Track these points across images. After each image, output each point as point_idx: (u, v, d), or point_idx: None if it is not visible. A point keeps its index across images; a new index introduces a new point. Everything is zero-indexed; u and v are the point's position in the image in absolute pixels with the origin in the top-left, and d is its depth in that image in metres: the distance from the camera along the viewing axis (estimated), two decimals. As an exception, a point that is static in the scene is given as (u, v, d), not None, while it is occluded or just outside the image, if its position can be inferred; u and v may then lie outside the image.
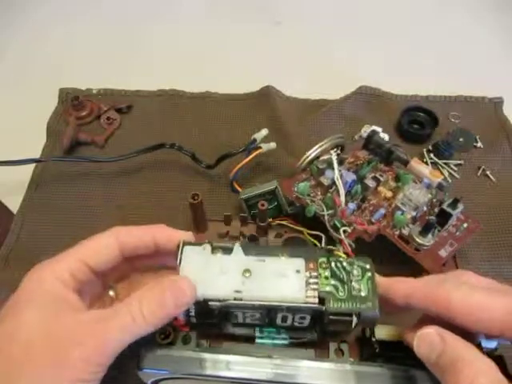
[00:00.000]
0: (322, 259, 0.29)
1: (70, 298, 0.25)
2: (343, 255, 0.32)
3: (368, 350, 0.31)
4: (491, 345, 0.26)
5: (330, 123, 0.54)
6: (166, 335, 0.29)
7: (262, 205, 0.38)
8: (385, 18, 0.71)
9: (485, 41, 0.67)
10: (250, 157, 0.45)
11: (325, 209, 0.38)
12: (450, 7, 0.73)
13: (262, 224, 0.40)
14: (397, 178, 0.42)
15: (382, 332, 0.30)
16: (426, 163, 0.50)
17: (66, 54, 0.66)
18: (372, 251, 0.31)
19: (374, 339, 0.30)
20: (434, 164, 0.50)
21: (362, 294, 0.28)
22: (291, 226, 0.42)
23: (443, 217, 0.38)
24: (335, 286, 0.28)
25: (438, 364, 0.23)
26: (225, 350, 0.31)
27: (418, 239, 0.37)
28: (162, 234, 0.29)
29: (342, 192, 0.39)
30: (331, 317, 0.28)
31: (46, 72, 0.62)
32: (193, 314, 0.28)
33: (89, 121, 0.55)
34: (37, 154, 0.52)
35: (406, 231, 0.38)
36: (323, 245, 0.39)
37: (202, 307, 0.28)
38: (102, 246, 0.28)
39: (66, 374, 0.22)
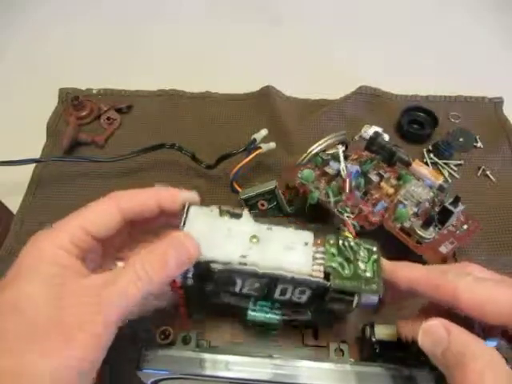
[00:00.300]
0: (330, 236, 0.28)
1: (73, 264, 0.24)
2: (351, 236, 0.31)
3: (368, 350, 0.31)
4: (491, 345, 0.26)
5: (330, 123, 0.54)
6: (165, 335, 0.29)
7: (262, 205, 0.38)
8: (385, 18, 0.71)
9: (485, 41, 0.67)
10: (250, 157, 0.45)
11: (331, 195, 0.39)
12: (450, 7, 0.73)
13: None
14: (398, 178, 0.42)
15: (382, 332, 0.30)
16: (426, 163, 0.50)
17: (66, 53, 0.66)
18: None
19: (373, 339, 0.30)
20: (434, 164, 0.50)
21: (368, 274, 0.27)
22: (292, 224, 0.42)
23: (444, 214, 0.38)
24: (341, 264, 0.27)
25: (443, 357, 0.22)
26: (224, 350, 0.31)
27: (419, 232, 0.38)
28: (166, 195, 0.28)
29: (348, 180, 0.39)
30: (334, 294, 0.27)
31: (46, 72, 0.62)
32: (190, 275, 0.27)
33: (89, 121, 0.55)
34: (37, 154, 0.52)
35: (407, 224, 0.39)
36: None
37: (202, 269, 0.27)
38: (103, 213, 0.27)
39: (72, 345, 0.21)
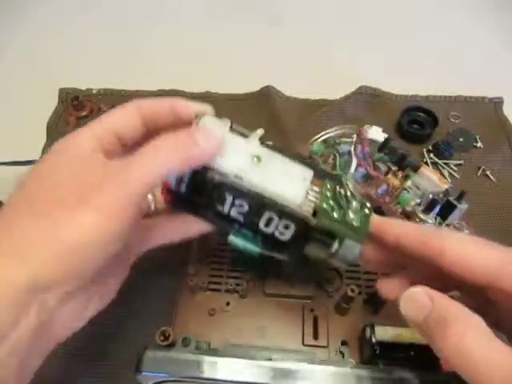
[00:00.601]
0: (330, 181, 0.29)
1: (100, 157, 0.26)
2: (350, 189, 0.30)
3: (368, 351, 0.31)
4: None
5: (330, 123, 0.54)
6: (165, 336, 0.29)
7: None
8: (385, 18, 0.71)
9: (485, 41, 0.67)
10: None
11: (338, 167, 0.40)
12: (450, 7, 0.73)
13: None
14: (405, 177, 0.42)
15: (383, 333, 0.31)
16: (426, 163, 0.50)
17: (66, 53, 0.66)
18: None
19: (374, 340, 0.30)
20: (434, 164, 0.50)
21: (355, 223, 0.28)
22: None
23: (448, 208, 0.39)
24: (332, 207, 0.28)
25: (425, 324, 0.22)
26: (224, 352, 0.31)
27: (420, 215, 0.38)
28: (180, 103, 0.29)
29: (355, 160, 0.40)
30: (317, 235, 0.27)
31: (46, 72, 0.62)
32: (186, 180, 0.28)
33: (89, 121, 0.55)
34: (37, 154, 0.52)
35: (409, 208, 0.39)
36: None
37: (199, 176, 0.27)
38: (126, 114, 0.28)
39: (97, 210, 0.23)
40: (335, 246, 0.28)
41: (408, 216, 0.39)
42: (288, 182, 0.28)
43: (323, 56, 0.64)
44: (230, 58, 0.65)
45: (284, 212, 0.27)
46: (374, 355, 0.30)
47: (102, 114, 0.28)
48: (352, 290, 0.34)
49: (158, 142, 0.24)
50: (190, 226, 0.31)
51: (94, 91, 0.58)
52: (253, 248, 0.30)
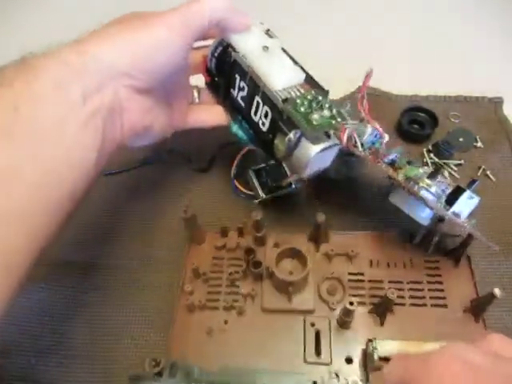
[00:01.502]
0: (316, 91, 0.34)
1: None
2: (335, 106, 0.34)
3: (371, 365, 0.31)
4: None
5: (329, 123, 0.54)
6: (156, 363, 0.28)
7: (256, 215, 0.37)
8: (385, 17, 0.71)
9: (485, 41, 0.67)
10: (244, 150, 0.45)
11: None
12: (450, 7, 0.73)
13: (258, 235, 0.39)
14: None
15: (386, 348, 0.30)
16: (426, 163, 0.50)
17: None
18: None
19: (376, 357, 0.30)
20: (434, 164, 0.50)
21: (314, 122, 0.32)
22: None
23: (456, 193, 0.36)
24: (302, 103, 0.33)
25: None
26: (215, 380, 0.30)
27: (426, 180, 0.35)
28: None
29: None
30: (282, 123, 0.33)
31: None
32: (216, 54, 0.38)
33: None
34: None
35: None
36: None
37: (223, 51, 0.37)
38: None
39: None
40: (292, 136, 0.32)
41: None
42: (279, 72, 0.34)
43: (323, 56, 0.64)
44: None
45: (265, 95, 0.34)
46: (377, 370, 0.30)
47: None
48: (351, 303, 0.32)
49: None
50: (217, 117, 0.41)
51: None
52: (244, 137, 0.39)
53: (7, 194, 0.24)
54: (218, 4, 0.33)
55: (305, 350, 0.34)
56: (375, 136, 0.36)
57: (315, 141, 0.32)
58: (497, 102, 0.56)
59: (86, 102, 0.28)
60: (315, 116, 0.32)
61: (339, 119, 0.33)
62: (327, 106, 0.33)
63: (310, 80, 0.35)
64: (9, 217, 0.25)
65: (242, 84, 0.36)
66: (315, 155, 0.32)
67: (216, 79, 0.40)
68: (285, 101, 0.32)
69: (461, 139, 0.52)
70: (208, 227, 0.42)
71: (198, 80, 0.43)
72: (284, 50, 0.37)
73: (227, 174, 0.47)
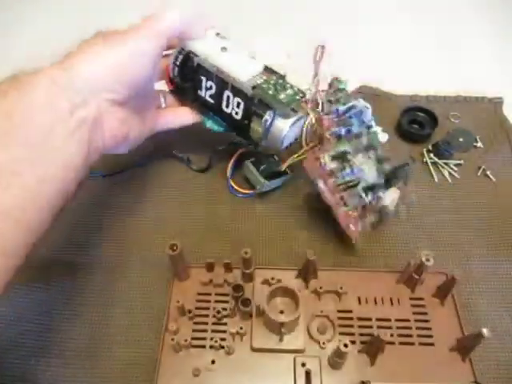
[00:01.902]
0: (276, 77, 0.40)
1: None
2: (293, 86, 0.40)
3: None
4: None
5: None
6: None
7: (246, 252, 0.36)
8: (385, 17, 0.71)
9: (485, 41, 0.67)
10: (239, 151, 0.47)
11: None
12: (450, 7, 0.73)
13: (247, 271, 0.38)
14: None
15: None
16: (426, 163, 0.50)
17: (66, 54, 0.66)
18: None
19: None
20: (434, 164, 0.50)
21: (283, 100, 0.38)
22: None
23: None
24: (269, 87, 0.39)
25: None
26: None
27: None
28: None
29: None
30: (255, 107, 0.39)
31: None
32: (178, 62, 0.42)
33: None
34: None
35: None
36: None
37: (185, 58, 0.41)
38: (176, 20, 0.37)
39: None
40: (267, 116, 0.38)
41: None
42: (242, 67, 0.40)
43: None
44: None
45: (234, 88, 0.39)
46: None
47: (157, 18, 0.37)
48: (345, 346, 0.31)
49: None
50: (184, 117, 0.45)
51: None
52: (220, 129, 0.44)
53: (5, 192, 0.27)
54: (178, 17, 0.37)
55: None
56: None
57: (286, 116, 0.39)
58: (497, 102, 0.56)
59: (72, 115, 0.31)
60: (282, 96, 0.38)
61: (301, 95, 0.39)
62: (288, 86, 0.39)
63: (267, 69, 0.41)
64: (6, 212, 0.27)
65: (209, 84, 0.41)
66: (289, 128, 0.38)
67: (180, 85, 0.44)
68: (254, 88, 0.39)
69: (461, 139, 0.52)
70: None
71: (162, 85, 0.46)
72: (241, 51, 0.42)
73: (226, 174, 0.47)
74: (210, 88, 0.41)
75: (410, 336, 0.36)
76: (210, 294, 0.38)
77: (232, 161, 0.47)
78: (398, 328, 0.36)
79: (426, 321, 0.37)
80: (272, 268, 0.40)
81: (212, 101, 0.42)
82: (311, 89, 0.40)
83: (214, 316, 0.36)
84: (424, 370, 0.34)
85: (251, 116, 0.40)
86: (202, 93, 0.42)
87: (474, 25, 0.70)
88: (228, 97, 0.40)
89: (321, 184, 0.39)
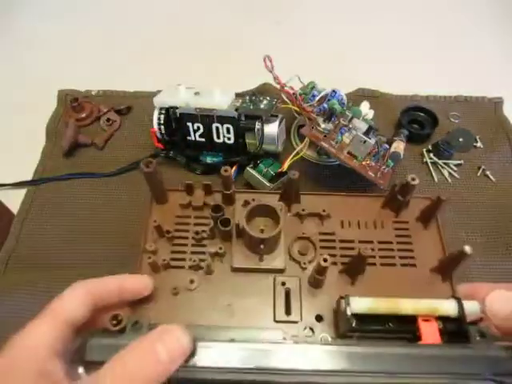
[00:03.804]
0: (249, 95, 0.47)
1: (54, 371, 0.23)
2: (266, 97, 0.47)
3: (344, 325, 0.29)
4: None
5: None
6: (117, 321, 0.26)
7: (226, 170, 0.35)
8: (385, 17, 0.71)
9: (485, 41, 0.67)
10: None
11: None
12: (450, 7, 0.73)
13: (227, 192, 0.37)
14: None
15: (358, 305, 0.29)
16: (426, 163, 0.50)
17: (65, 55, 0.66)
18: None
19: (349, 313, 0.28)
20: (434, 164, 0.50)
21: (266, 109, 0.45)
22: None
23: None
24: (248, 105, 0.45)
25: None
26: None
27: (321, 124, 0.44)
28: (128, 280, 0.30)
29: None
30: (243, 123, 0.44)
31: (45, 74, 0.62)
32: (162, 121, 0.46)
33: (88, 122, 0.55)
34: (36, 157, 0.52)
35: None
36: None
37: (167, 114, 0.45)
38: (77, 300, 0.26)
39: None
40: (258, 125, 0.44)
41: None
42: (219, 100, 0.44)
43: (323, 55, 0.64)
44: (230, 57, 0.64)
45: (220, 117, 0.44)
46: (350, 329, 0.28)
47: (52, 302, 0.26)
48: (325, 260, 0.31)
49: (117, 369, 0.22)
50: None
51: (93, 92, 0.58)
52: (218, 160, 0.48)
53: None
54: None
55: (275, 309, 0.33)
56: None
57: (272, 121, 0.44)
58: (497, 102, 0.56)
59: None
60: (262, 106, 0.45)
61: (275, 100, 0.46)
62: (262, 98, 0.46)
63: (238, 94, 0.47)
64: None
65: (196, 125, 0.45)
66: (278, 129, 0.44)
67: (169, 141, 0.47)
68: (237, 109, 0.44)
69: (461, 139, 0.52)
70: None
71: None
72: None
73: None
74: (198, 129, 0.45)
75: (392, 257, 0.36)
76: (189, 217, 0.37)
77: (233, 169, 0.46)
78: (380, 250, 0.36)
79: (409, 243, 0.36)
80: (253, 192, 0.40)
81: (203, 139, 0.46)
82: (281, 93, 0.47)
83: (193, 238, 0.36)
84: (404, 288, 0.34)
85: (244, 133, 0.44)
86: (192, 137, 0.46)
87: (474, 25, 0.70)
88: (217, 128, 0.44)
89: (326, 145, 0.43)
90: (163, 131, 0.46)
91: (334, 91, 0.47)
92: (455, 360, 0.24)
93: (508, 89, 0.57)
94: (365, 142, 0.42)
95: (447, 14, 0.72)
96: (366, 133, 0.44)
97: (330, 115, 0.44)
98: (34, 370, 0.23)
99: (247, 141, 0.45)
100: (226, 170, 0.35)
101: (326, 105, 0.46)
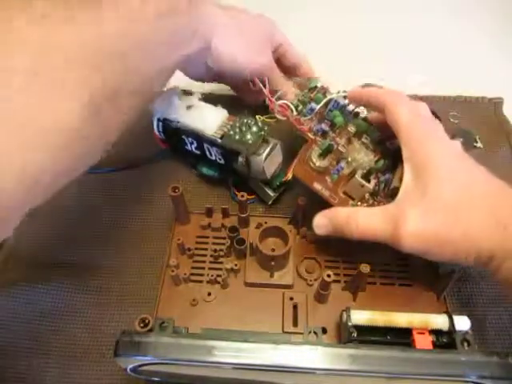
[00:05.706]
0: (241, 116, 0.43)
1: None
2: (257, 120, 0.43)
3: (345, 335, 0.33)
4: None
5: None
6: (145, 324, 0.29)
7: (242, 196, 0.40)
8: (384, 17, 0.71)
9: (485, 41, 0.67)
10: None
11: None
12: (450, 7, 0.73)
13: (242, 215, 0.41)
14: None
15: (358, 317, 0.32)
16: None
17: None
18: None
19: (350, 324, 0.32)
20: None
21: (250, 142, 0.41)
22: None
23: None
24: (235, 132, 0.42)
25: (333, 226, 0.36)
26: (202, 336, 0.32)
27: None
28: None
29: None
30: (230, 153, 0.41)
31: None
32: (160, 129, 0.46)
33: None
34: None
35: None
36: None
37: (164, 125, 0.45)
38: None
39: None
40: (240, 159, 0.41)
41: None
42: (207, 121, 0.43)
43: (323, 56, 0.64)
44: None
45: (208, 140, 0.43)
46: (351, 338, 0.31)
47: None
48: (328, 276, 0.35)
49: None
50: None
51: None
52: (212, 172, 0.47)
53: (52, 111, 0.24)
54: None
55: (283, 321, 0.36)
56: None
57: (258, 152, 0.40)
58: (497, 102, 0.56)
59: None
60: (248, 136, 0.41)
61: (266, 128, 0.41)
62: (253, 123, 0.42)
63: (231, 112, 0.44)
64: (44, 133, 0.24)
65: (190, 139, 0.44)
66: (265, 161, 0.40)
67: (171, 143, 0.48)
68: (222, 137, 0.42)
69: (461, 139, 0.52)
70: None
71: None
72: (203, 99, 0.46)
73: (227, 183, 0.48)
74: (193, 142, 0.45)
75: (391, 277, 0.39)
76: (208, 237, 0.42)
77: (251, 197, 0.46)
78: (380, 271, 0.40)
79: (405, 265, 0.40)
80: (266, 216, 0.44)
81: (199, 152, 0.45)
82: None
83: (212, 255, 0.40)
84: (401, 305, 0.37)
85: (231, 159, 0.42)
86: (189, 147, 0.46)
87: (474, 25, 0.70)
88: (208, 147, 0.43)
89: (317, 186, 0.38)
90: (163, 137, 0.47)
91: (336, 101, 0.42)
92: (444, 363, 0.27)
93: (508, 89, 0.57)
94: (363, 186, 0.37)
95: (447, 14, 0.72)
96: (367, 174, 0.38)
97: (326, 150, 0.39)
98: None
99: (235, 167, 0.42)
100: (242, 196, 0.40)
101: (323, 125, 0.40)
